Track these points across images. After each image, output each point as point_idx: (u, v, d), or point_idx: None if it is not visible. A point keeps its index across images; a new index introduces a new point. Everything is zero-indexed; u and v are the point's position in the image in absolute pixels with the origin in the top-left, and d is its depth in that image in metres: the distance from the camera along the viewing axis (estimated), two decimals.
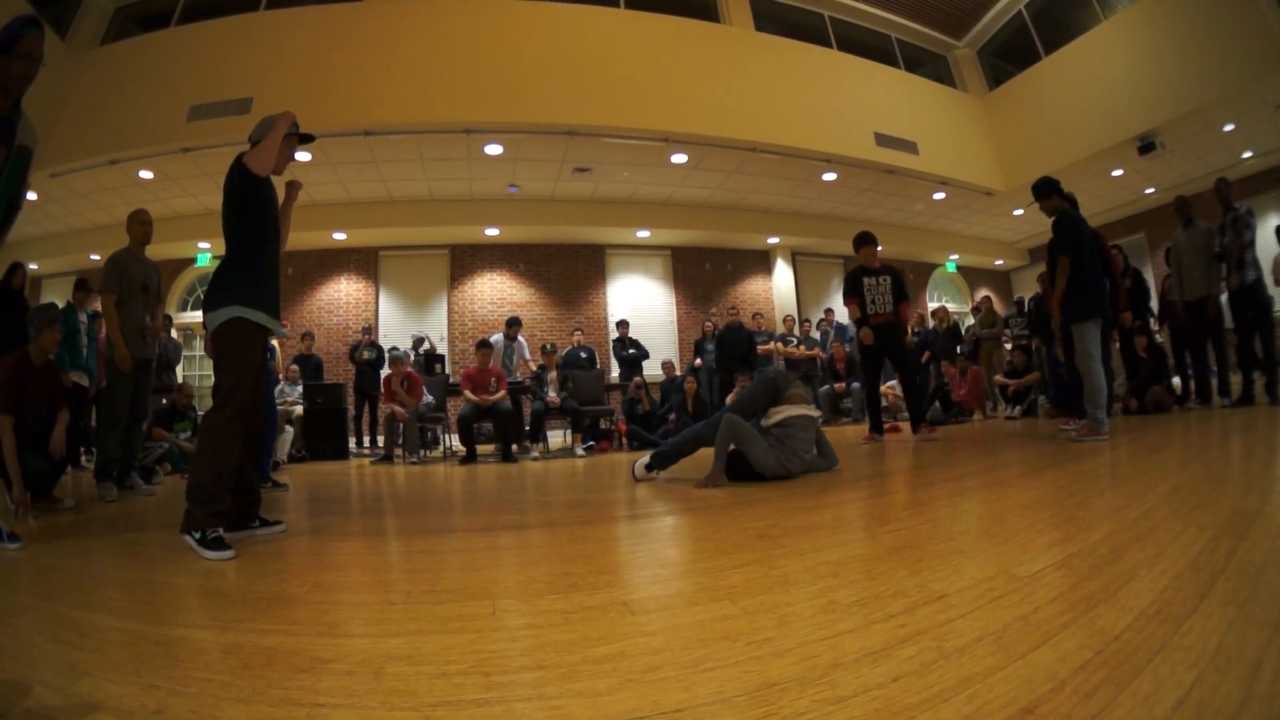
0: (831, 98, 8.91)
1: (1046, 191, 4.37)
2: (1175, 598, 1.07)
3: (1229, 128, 8.40)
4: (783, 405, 3.24)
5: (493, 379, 6.32)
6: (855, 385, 9.23)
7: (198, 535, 2.05)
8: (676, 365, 9.21)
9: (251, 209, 2.41)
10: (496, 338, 7.86)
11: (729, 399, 6.82)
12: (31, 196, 7.54)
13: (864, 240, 5.31)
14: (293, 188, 2.71)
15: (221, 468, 2.19)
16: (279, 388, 6.76)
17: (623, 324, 8.96)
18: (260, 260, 2.43)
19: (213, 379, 2.33)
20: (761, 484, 3.04)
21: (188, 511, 2.12)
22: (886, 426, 7.23)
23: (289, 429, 6.81)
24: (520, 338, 7.96)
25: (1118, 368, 5.87)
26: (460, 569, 1.74)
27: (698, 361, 8.64)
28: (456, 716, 0.85)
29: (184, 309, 10.11)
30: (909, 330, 6.00)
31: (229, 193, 2.40)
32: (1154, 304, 7.17)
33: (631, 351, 8.55)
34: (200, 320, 9.19)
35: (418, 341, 8.64)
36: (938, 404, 7.52)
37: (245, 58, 7.30)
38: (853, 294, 5.26)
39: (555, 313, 10.40)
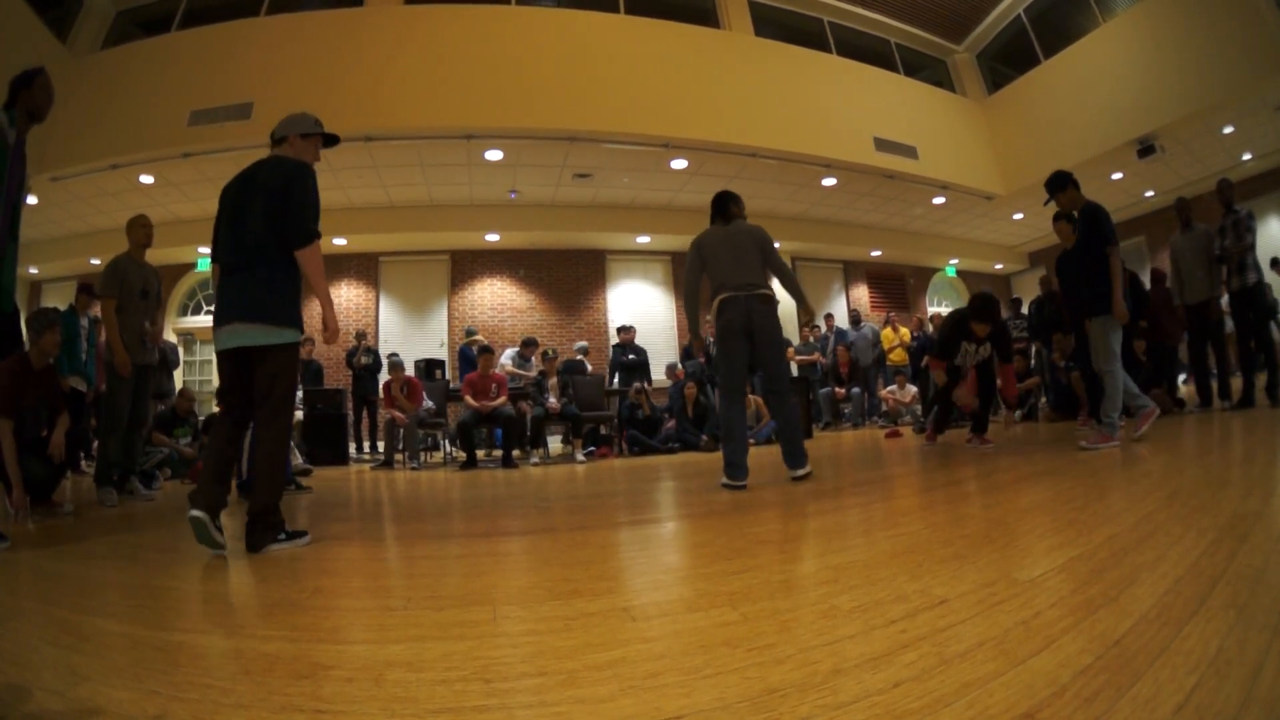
0: (831, 103, 8.92)
1: (1062, 184, 4.19)
2: (1176, 601, 1.07)
3: (1229, 130, 8.40)
4: None
5: (493, 385, 6.31)
6: (855, 390, 9.25)
7: (283, 536, 2.21)
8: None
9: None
10: (509, 353, 7.86)
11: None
12: (32, 200, 7.56)
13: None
14: None
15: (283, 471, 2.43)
16: None
17: (628, 330, 8.84)
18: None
19: (217, 383, 2.45)
20: (762, 486, 3.05)
21: (274, 524, 2.21)
22: (887, 432, 7.25)
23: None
24: (533, 359, 7.94)
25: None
26: (461, 575, 1.74)
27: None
28: None
29: (184, 314, 10.10)
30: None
31: (301, 188, 2.26)
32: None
33: (631, 357, 8.51)
34: (204, 324, 9.26)
35: (470, 333, 8.69)
36: (938, 408, 7.51)
37: (246, 62, 7.32)
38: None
39: (556, 318, 10.40)
